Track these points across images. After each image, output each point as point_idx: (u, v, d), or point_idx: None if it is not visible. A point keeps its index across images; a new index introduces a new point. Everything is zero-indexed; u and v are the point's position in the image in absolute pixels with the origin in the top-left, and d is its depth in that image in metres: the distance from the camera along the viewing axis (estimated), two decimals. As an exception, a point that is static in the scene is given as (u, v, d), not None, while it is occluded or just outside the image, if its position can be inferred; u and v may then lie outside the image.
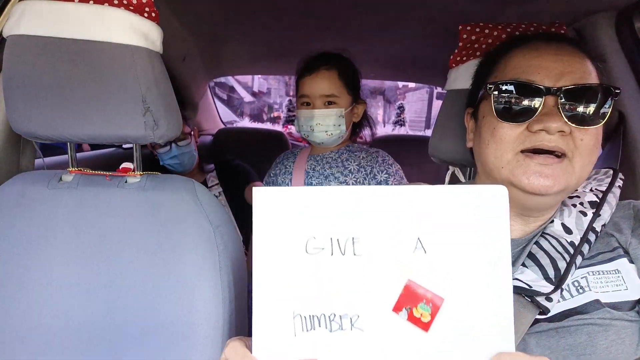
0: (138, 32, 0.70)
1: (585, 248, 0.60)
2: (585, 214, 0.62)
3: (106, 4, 0.69)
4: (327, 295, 0.44)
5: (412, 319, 0.43)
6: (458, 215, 0.44)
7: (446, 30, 1.02)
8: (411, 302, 0.43)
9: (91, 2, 0.69)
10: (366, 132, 1.40)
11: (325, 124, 1.22)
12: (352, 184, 1.23)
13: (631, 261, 0.59)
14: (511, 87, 0.59)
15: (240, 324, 0.78)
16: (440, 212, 0.44)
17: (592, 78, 0.58)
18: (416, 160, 2.12)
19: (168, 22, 1.36)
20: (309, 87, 1.22)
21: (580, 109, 0.56)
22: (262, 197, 0.45)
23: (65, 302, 0.73)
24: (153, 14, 0.72)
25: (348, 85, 1.24)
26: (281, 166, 1.36)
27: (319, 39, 1.52)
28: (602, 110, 0.57)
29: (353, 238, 0.45)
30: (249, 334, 0.47)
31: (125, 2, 0.70)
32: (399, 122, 8.77)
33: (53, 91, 0.70)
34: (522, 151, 0.58)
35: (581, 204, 0.64)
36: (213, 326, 0.70)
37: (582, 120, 0.56)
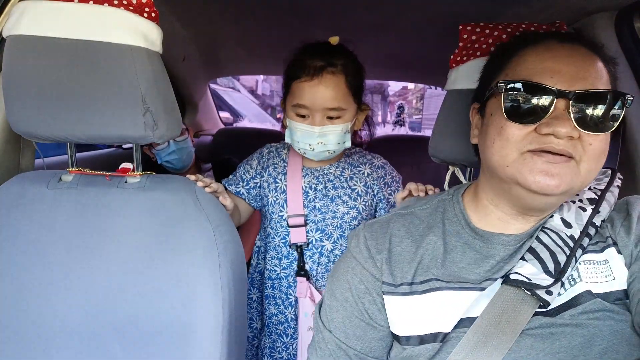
0: (138, 32, 0.70)
1: (586, 242, 0.60)
2: (584, 210, 0.62)
3: (106, 4, 0.69)
4: None
5: None
6: None
7: (446, 30, 1.02)
8: None
9: (91, 2, 0.69)
10: (363, 133, 1.19)
11: (328, 142, 0.98)
12: (362, 208, 1.07)
13: (619, 251, 0.60)
14: (523, 88, 0.58)
15: (240, 323, 0.78)
16: None
17: (604, 82, 0.58)
18: (416, 160, 2.11)
19: (168, 22, 1.36)
20: (310, 96, 0.95)
21: (591, 114, 0.56)
22: None
23: (64, 302, 0.73)
24: (153, 14, 0.72)
25: (355, 92, 1.00)
26: (268, 177, 1.10)
27: (319, 38, 1.52)
28: (612, 116, 0.57)
29: None
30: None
31: (125, 2, 0.70)
32: (399, 122, 8.79)
33: (53, 91, 0.70)
34: (529, 151, 0.57)
35: (580, 200, 0.64)
36: (213, 326, 0.70)
37: (591, 126, 0.56)
